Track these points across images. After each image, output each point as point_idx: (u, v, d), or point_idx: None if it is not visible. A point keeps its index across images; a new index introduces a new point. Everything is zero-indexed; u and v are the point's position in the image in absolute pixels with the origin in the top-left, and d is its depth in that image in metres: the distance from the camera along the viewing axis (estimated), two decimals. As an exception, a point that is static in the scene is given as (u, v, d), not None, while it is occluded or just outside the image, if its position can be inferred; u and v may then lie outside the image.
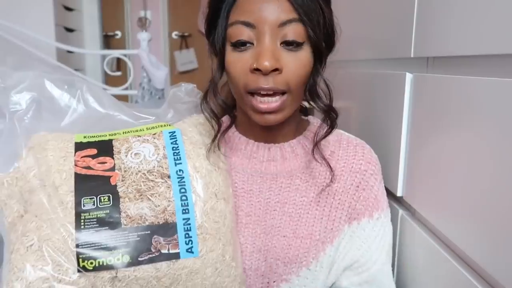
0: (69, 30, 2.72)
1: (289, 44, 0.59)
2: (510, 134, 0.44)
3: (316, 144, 0.65)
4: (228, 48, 0.61)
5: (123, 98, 2.57)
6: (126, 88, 2.44)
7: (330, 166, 0.65)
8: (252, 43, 0.59)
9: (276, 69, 0.58)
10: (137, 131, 0.67)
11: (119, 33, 3.38)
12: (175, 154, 0.63)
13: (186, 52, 3.30)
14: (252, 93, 0.60)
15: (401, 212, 0.72)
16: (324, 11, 0.60)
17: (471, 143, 0.51)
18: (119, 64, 3.13)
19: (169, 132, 0.66)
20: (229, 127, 0.67)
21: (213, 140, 0.65)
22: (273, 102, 0.60)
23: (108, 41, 3.34)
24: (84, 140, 0.64)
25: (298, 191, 0.67)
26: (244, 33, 0.59)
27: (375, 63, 0.91)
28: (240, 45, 0.60)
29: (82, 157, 0.62)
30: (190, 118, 0.72)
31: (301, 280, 0.66)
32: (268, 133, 0.68)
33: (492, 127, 0.47)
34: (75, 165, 0.61)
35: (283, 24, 0.58)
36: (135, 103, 2.34)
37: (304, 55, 0.60)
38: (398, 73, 0.72)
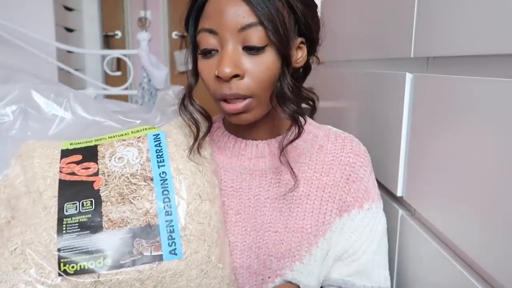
0: (69, 30, 2.72)
1: (250, 49, 0.59)
2: (510, 134, 0.44)
3: (282, 150, 0.64)
4: (199, 55, 0.63)
5: (123, 98, 2.57)
6: (126, 88, 2.44)
7: (293, 172, 0.65)
8: (217, 50, 0.60)
9: (236, 75, 0.59)
10: (122, 135, 0.68)
11: (119, 33, 3.38)
12: (158, 156, 0.64)
13: (186, 52, 3.29)
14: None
15: (401, 212, 0.72)
16: (285, 14, 0.59)
17: (471, 143, 0.51)
18: (119, 64, 3.13)
19: (154, 135, 0.67)
20: (208, 131, 0.67)
21: (193, 144, 0.65)
22: (239, 103, 0.61)
23: (108, 41, 3.34)
24: (70, 147, 0.66)
25: (288, 186, 0.68)
26: (209, 41, 0.60)
27: (375, 63, 0.91)
28: (206, 53, 0.61)
29: (67, 163, 0.63)
30: (176, 119, 0.72)
31: (296, 274, 0.66)
32: (254, 130, 0.69)
33: (492, 127, 0.47)
34: (60, 171, 0.62)
35: (243, 28, 0.58)
36: (135, 103, 2.34)
37: (267, 59, 0.60)
38: (398, 73, 0.72)
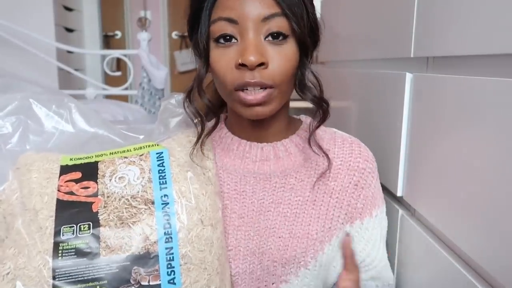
0: (69, 30, 2.72)
1: (274, 37, 0.59)
2: (510, 134, 0.44)
3: (311, 135, 0.64)
4: (212, 45, 0.61)
5: (123, 98, 2.57)
6: (126, 88, 2.44)
7: (328, 155, 0.65)
8: (236, 39, 0.59)
9: (261, 64, 0.58)
10: (124, 151, 0.65)
11: (119, 33, 3.38)
12: (160, 177, 0.61)
13: (186, 52, 3.29)
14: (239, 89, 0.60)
15: (401, 212, 0.72)
16: (307, 5, 0.61)
17: (471, 143, 0.51)
18: (119, 64, 3.13)
19: (157, 153, 0.64)
20: (213, 128, 0.66)
21: (196, 142, 0.64)
22: (259, 93, 0.59)
23: (108, 41, 3.34)
24: (70, 163, 0.63)
25: (293, 190, 0.67)
26: (228, 29, 0.59)
27: (375, 63, 0.91)
28: (223, 39, 0.59)
29: (66, 181, 0.60)
30: (180, 135, 0.69)
31: (301, 280, 0.65)
32: (260, 131, 0.68)
33: (492, 127, 0.47)
34: (58, 190, 0.59)
35: (266, 18, 0.58)
36: (135, 103, 2.34)
37: (289, 49, 0.60)
38: (398, 73, 0.72)
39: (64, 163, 0.63)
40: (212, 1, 0.61)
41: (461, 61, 0.57)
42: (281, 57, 0.59)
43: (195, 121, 0.65)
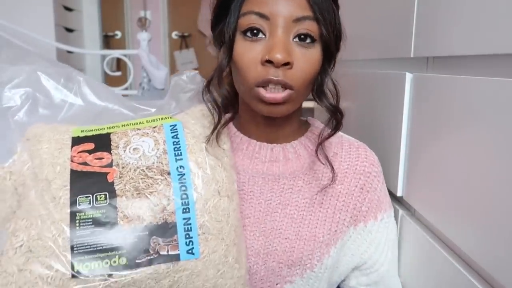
0: (69, 30, 2.72)
1: (302, 39, 0.59)
2: (509, 134, 0.44)
3: (319, 144, 0.64)
4: (238, 37, 0.60)
5: (123, 98, 2.57)
6: (126, 88, 2.44)
7: (333, 166, 0.65)
8: (265, 35, 0.59)
9: (287, 63, 0.57)
10: (136, 124, 0.64)
11: (119, 33, 3.38)
12: (175, 149, 0.60)
13: (186, 52, 3.29)
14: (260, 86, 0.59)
15: (401, 212, 0.72)
16: (335, 12, 0.61)
17: (471, 143, 0.51)
18: (119, 64, 3.13)
19: (170, 125, 0.63)
20: (230, 119, 0.65)
21: (213, 132, 0.62)
22: (280, 93, 0.58)
23: (108, 41, 3.34)
24: (82, 134, 0.61)
25: (301, 192, 0.67)
26: (258, 23, 0.58)
27: (375, 63, 0.91)
28: (251, 33, 0.59)
29: (78, 152, 0.59)
30: (193, 109, 0.68)
31: (306, 280, 0.65)
32: (272, 132, 0.68)
33: (492, 127, 0.47)
34: (72, 161, 0.58)
35: (298, 20, 0.58)
36: (135, 103, 2.34)
37: (315, 53, 0.60)
38: (398, 73, 0.72)
39: (75, 135, 0.61)
40: None
41: (461, 61, 0.57)
42: (306, 60, 0.59)
43: (212, 113, 0.64)
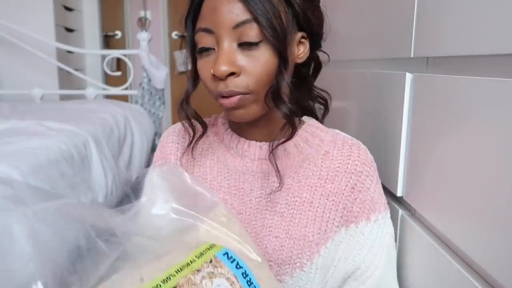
0: (69, 30, 2.72)
1: (244, 46, 0.59)
2: (510, 134, 0.44)
3: (272, 150, 0.63)
4: (197, 55, 0.63)
5: (123, 98, 2.57)
6: (126, 88, 2.44)
7: (280, 175, 0.64)
8: (214, 49, 0.60)
9: (232, 73, 0.59)
10: (188, 264, 0.54)
11: (119, 33, 3.38)
12: (248, 283, 0.54)
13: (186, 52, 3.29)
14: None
15: (401, 212, 0.72)
16: (282, 11, 0.59)
17: (471, 143, 0.51)
18: (119, 64, 3.13)
19: (223, 254, 0.56)
20: (200, 136, 0.69)
21: (188, 146, 0.69)
22: (233, 98, 0.60)
23: (108, 41, 3.34)
24: None
25: (290, 190, 0.67)
26: (206, 40, 0.60)
27: (375, 63, 0.91)
28: (203, 51, 0.61)
29: None
30: (212, 217, 0.60)
31: (295, 281, 0.65)
32: (256, 131, 0.68)
33: (492, 127, 0.47)
34: None
35: (237, 26, 0.58)
36: (135, 103, 2.34)
37: (263, 55, 0.59)
38: (398, 73, 0.72)
39: None
40: (194, 12, 0.63)
41: (461, 61, 0.57)
42: (254, 64, 0.59)
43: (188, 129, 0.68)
